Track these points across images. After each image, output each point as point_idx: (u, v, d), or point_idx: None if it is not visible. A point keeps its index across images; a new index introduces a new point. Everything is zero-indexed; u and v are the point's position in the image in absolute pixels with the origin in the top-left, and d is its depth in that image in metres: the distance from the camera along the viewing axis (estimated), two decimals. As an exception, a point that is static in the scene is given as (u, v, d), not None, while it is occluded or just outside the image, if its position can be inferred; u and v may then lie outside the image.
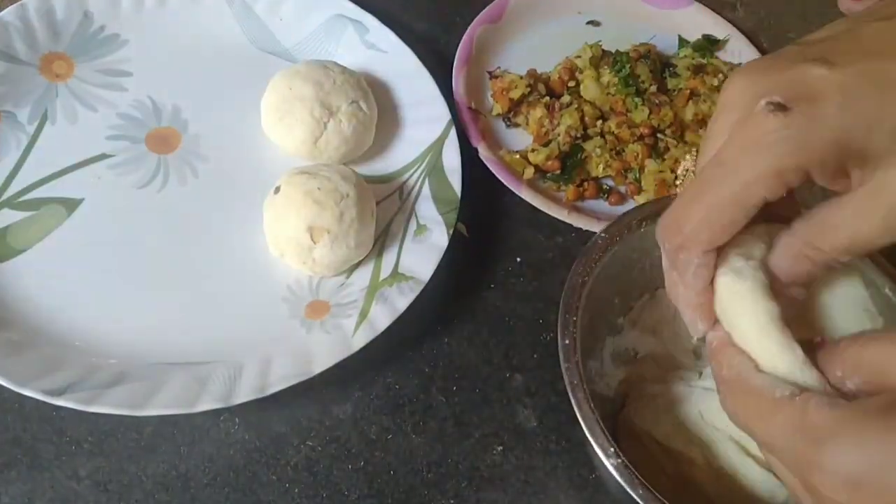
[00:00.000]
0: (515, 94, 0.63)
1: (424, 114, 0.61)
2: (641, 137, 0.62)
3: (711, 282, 0.34)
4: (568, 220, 0.58)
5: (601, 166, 0.61)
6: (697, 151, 0.43)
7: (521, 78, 0.64)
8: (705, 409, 0.44)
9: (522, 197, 0.59)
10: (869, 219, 0.31)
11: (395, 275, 0.53)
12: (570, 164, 0.61)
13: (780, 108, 0.31)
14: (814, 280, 0.34)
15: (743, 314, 0.33)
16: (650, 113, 0.62)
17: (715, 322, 0.34)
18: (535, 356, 0.54)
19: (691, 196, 0.33)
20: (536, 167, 0.61)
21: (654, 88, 0.65)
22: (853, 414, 0.27)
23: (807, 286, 0.34)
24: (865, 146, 0.30)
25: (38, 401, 0.45)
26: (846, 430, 0.27)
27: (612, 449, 0.39)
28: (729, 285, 0.33)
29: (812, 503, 0.29)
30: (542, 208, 0.59)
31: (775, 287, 0.33)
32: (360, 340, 0.49)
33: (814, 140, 0.30)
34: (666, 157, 0.62)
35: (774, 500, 0.42)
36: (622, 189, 0.62)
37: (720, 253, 0.34)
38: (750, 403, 0.31)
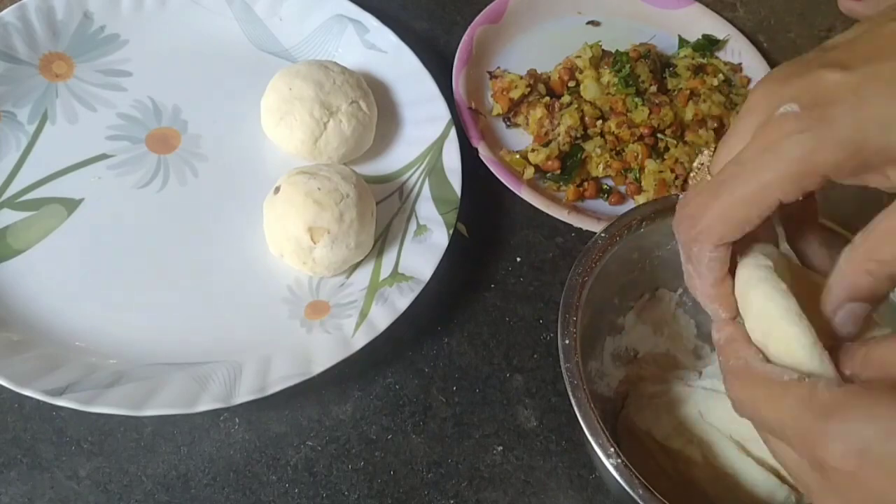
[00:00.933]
0: (515, 94, 0.63)
1: (424, 114, 0.61)
2: (641, 137, 0.62)
3: (729, 274, 0.35)
4: (568, 220, 0.58)
5: (601, 166, 0.61)
6: (715, 147, 0.43)
7: (521, 78, 0.64)
8: (705, 409, 0.44)
9: (522, 197, 0.59)
10: None
11: (395, 275, 0.53)
12: (570, 164, 0.61)
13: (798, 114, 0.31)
14: (881, 300, 0.32)
15: (764, 301, 0.33)
16: (650, 113, 0.62)
17: (736, 316, 0.35)
18: (535, 356, 0.54)
19: (709, 192, 0.33)
20: (536, 167, 0.61)
21: (653, 88, 0.65)
22: (861, 390, 0.28)
23: (875, 305, 0.33)
24: (885, 145, 0.30)
25: (38, 401, 0.45)
26: (854, 404, 0.27)
27: (612, 449, 0.39)
28: (751, 274, 0.34)
29: (819, 482, 0.29)
30: (542, 208, 0.59)
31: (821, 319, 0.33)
32: (360, 340, 0.49)
33: (826, 143, 0.30)
34: (666, 156, 0.62)
35: (774, 500, 0.42)
36: (622, 189, 0.62)
37: (737, 248, 0.34)
38: (758, 388, 0.31)
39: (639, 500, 0.38)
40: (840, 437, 0.27)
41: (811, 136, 0.30)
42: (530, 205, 0.59)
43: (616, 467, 0.39)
